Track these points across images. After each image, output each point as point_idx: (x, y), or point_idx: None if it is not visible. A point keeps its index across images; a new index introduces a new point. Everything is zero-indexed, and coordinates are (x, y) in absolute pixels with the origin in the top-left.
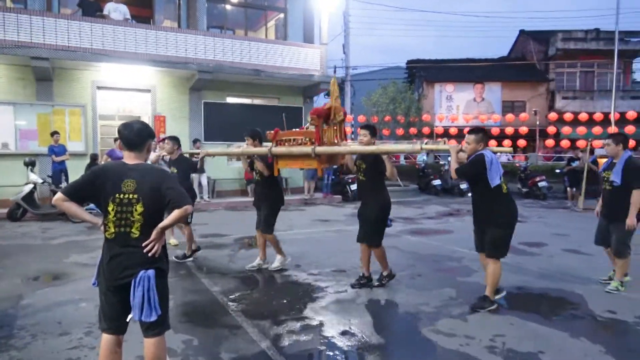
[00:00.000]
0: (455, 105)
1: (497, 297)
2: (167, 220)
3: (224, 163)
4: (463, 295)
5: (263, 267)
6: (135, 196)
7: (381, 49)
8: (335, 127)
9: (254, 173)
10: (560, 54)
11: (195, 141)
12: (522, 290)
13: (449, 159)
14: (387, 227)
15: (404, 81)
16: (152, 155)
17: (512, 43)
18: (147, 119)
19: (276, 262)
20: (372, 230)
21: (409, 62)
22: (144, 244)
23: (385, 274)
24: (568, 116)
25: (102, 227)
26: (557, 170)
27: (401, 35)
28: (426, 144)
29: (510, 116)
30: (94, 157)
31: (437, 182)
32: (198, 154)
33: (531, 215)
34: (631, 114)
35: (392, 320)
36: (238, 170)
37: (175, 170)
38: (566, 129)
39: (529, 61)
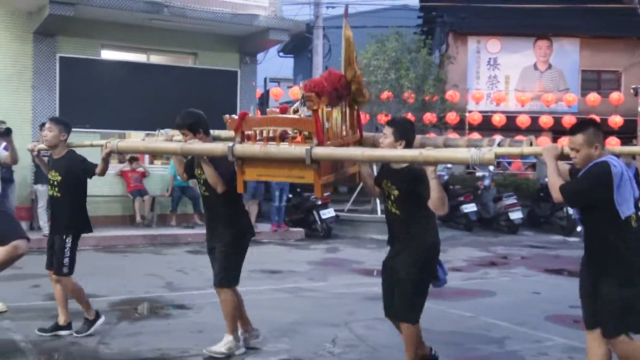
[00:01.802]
0: (503, 76)
1: None
2: None
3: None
4: None
5: (251, 345)
6: None
7: None
8: (345, 109)
9: (198, 185)
10: None
11: (43, 126)
12: None
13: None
14: (438, 284)
15: (415, 32)
16: None
17: None
18: None
19: (220, 345)
20: (404, 296)
21: None
22: None
23: None
24: None
25: None
26: None
27: None
28: (500, 144)
29: (593, 97)
30: None
31: (469, 207)
32: (102, 148)
33: None
34: None
35: None
36: (117, 180)
37: (59, 177)
38: None
39: (626, 4)
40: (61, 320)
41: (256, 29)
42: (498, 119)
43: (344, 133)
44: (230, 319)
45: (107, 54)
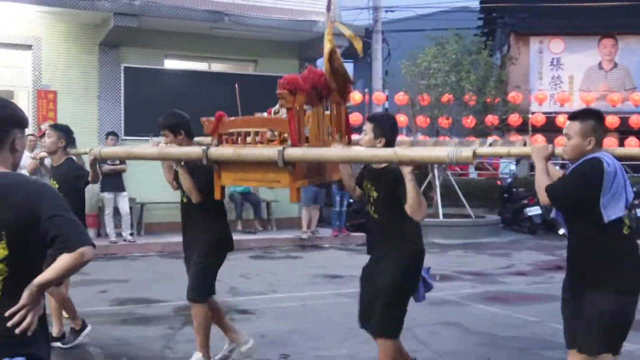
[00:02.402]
0: (567, 76)
1: None
2: (48, 273)
3: (157, 174)
4: None
5: (234, 357)
6: None
7: None
8: (329, 111)
9: (180, 192)
10: None
11: (108, 135)
12: None
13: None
14: (426, 290)
15: (476, 34)
16: (27, 161)
17: None
18: (24, 96)
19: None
20: (384, 307)
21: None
22: (7, 313)
23: None
24: None
25: None
26: None
27: None
28: (491, 144)
29: None
30: None
31: (534, 210)
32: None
33: None
34: None
35: None
36: None
37: (56, 185)
38: None
39: None
40: (54, 332)
41: (315, 35)
42: (562, 120)
43: (328, 136)
44: (202, 333)
45: (170, 64)
